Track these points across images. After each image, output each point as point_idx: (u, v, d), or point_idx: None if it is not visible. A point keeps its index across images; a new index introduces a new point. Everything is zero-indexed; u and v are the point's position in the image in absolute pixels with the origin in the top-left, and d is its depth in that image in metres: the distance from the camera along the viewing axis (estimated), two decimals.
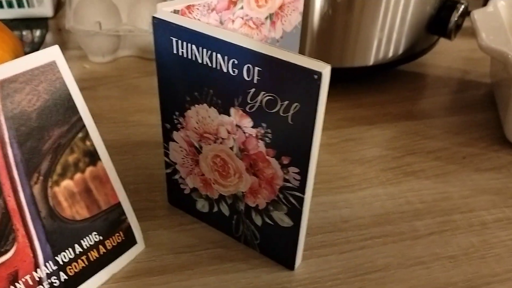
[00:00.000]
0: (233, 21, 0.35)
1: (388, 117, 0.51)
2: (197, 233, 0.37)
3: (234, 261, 0.35)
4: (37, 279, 0.29)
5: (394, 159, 0.45)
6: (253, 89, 0.28)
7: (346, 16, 0.48)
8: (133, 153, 0.44)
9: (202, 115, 0.32)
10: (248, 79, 0.28)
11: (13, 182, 0.28)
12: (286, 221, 0.32)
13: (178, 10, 0.31)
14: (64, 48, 0.61)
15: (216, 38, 0.28)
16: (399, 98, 0.54)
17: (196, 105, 0.32)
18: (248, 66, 0.28)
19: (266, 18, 0.36)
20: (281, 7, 0.37)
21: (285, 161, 0.29)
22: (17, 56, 0.47)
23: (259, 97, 0.28)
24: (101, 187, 0.32)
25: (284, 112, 0.28)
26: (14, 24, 0.65)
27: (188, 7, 0.32)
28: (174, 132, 0.34)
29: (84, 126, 0.31)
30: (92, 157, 0.32)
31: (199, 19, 0.33)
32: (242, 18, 0.35)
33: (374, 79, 0.57)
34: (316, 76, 0.25)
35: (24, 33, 0.63)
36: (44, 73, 0.30)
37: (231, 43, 0.28)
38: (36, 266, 0.29)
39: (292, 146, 0.28)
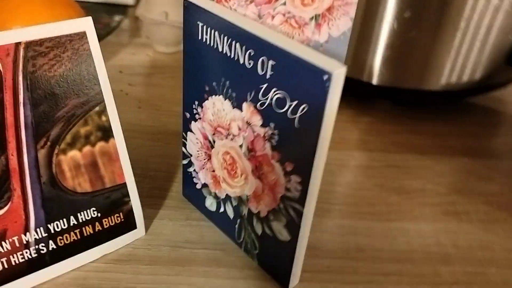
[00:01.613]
0: (273, 16, 0.33)
1: (444, 149, 0.46)
2: (201, 231, 0.35)
3: (230, 267, 0.33)
4: (25, 242, 0.30)
5: (437, 195, 0.40)
6: (266, 85, 0.26)
7: (413, 32, 0.44)
8: (166, 141, 0.44)
9: (217, 107, 0.31)
10: (261, 73, 0.26)
11: (19, 142, 0.29)
12: (284, 235, 0.29)
13: None
14: (136, 35, 0.63)
15: (236, 25, 0.27)
16: (461, 132, 0.49)
17: (214, 96, 0.30)
18: (263, 59, 0.26)
19: (311, 18, 0.34)
20: (329, 9, 0.34)
21: (288, 167, 0.27)
22: None
23: (270, 94, 0.26)
24: (109, 164, 0.32)
25: (292, 113, 0.25)
26: (95, 7, 0.68)
27: None
28: (193, 122, 0.33)
29: (103, 101, 0.31)
30: (106, 133, 0.32)
31: (235, 9, 0.32)
32: (284, 15, 0.33)
33: (436, 107, 0.52)
34: (325, 77, 0.23)
35: (102, 16, 0.66)
36: (72, 41, 0.30)
37: (249, 32, 0.26)
38: (26, 229, 0.30)
39: (296, 151, 0.26)
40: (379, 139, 0.47)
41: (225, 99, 0.30)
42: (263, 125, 0.28)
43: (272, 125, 0.27)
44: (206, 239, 0.35)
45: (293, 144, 0.26)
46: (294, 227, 0.28)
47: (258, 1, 0.32)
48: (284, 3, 0.33)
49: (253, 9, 0.32)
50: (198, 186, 0.35)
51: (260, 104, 0.27)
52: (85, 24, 0.30)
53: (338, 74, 0.23)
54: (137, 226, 0.34)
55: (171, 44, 0.58)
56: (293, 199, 0.28)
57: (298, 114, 0.25)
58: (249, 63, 0.27)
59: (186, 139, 0.35)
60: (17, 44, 0.28)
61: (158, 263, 0.33)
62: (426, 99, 0.51)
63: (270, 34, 0.26)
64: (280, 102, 0.26)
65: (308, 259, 0.33)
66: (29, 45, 0.29)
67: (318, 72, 0.23)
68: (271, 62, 0.25)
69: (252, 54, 0.26)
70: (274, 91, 0.26)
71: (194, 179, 0.36)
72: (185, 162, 0.36)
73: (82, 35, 0.30)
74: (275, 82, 0.26)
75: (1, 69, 0.28)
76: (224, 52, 0.28)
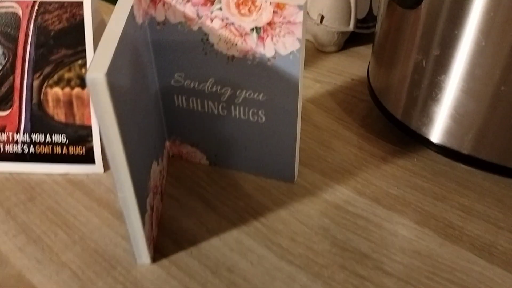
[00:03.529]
0: (211, 19, 0.34)
1: None
2: None
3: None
4: (15, 139, 0.42)
5: None
6: None
7: None
8: None
9: None
10: None
11: (23, 70, 0.40)
12: None
13: None
14: None
15: None
16: None
17: None
18: None
19: (252, 30, 0.33)
20: (270, 24, 0.33)
21: None
22: None
23: None
24: (81, 107, 0.41)
25: None
26: None
27: None
28: None
29: (85, 57, 0.40)
30: (83, 82, 0.40)
31: (174, 5, 0.34)
32: (222, 20, 0.34)
33: None
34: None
35: None
36: (71, 7, 0.39)
37: None
38: (18, 131, 0.42)
39: None
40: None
41: None
42: None
43: None
44: None
45: None
46: None
47: (194, 1, 0.33)
48: (220, 9, 0.33)
49: (191, 8, 0.34)
50: None
51: None
52: None
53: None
54: (96, 163, 0.42)
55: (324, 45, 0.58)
56: None
57: None
58: None
59: None
60: (34, 1, 0.39)
61: (90, 196, 0.40)
62: None
63: None
64: None
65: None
66: (42, 3, 0.39)
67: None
68: None
69: None
70: None
71: None
72: None
73: (79, 4, 0.39)
74: None
75: (21, 16, 0.39)
76: None
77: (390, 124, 0.44)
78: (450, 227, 0.37)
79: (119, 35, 0.27)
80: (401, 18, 0.38)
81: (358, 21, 0.54)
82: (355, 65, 0.54)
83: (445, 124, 0.38)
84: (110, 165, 0.29)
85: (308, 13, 0.55)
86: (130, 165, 0.29)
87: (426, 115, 0.38)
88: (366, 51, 0.56)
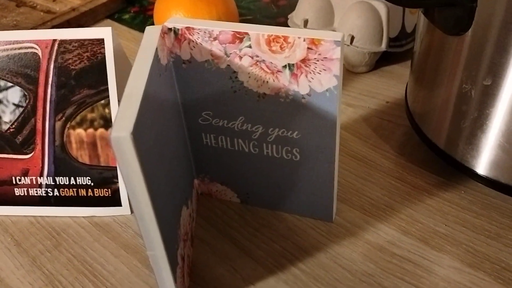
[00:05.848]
0: (240, 57, 0.31)
1: None
2: None
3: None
4: (39, 183, 0.40)
5: None
6: None
7: None
8: None
9: None
10: None
11: (45, 111, 0.39)
12: None
13: (178, 29, 0.32)
14: None
15: None
16: None
17: None
18: None
19: (284, 67, 0.31)
20: (303, 61, 0.30)
21: None
22: None
23: None
24: (105, 148, 0.39)
25: None
26: None
27: (188, 28, 0.31)
28: None
29: (108, 97, 0.38)
30: (106, 122, 0.38)
31: (201, 43, 0.32)
32: (252, 57, 0.31)
33: None
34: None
35: None
36: (92, 45, 0.37)
37: None
38: (41, 174, 0.40)
39: None
40: None
41: None
42: None
43: None
44: None
45: None
46: None
47: (221, 39, 0.31)
48: (250, 46, 0.31)
49: (218, 46, 0.32)
50: None
51: None
52: (104, 33, 0.37)
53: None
54: (122, 204, 0.40)
55: (355, 66, 0.54)
56: None
57: None
58: None
59: None
60: (54, 40, 0.37)
61: (117, 241, 0.38)
62: None
63: None
64: None
65: None
66: (61, 42, 0.37)
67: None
68: None
69: None
70: None
71: None
72: None
73: (100, 41, 0.37)
74: None
75: (41, 56, 0.38)
76: None
77: (432, 152, 0.41)
78: (508, 270, 0.34)
79: (143, 87, 0.25)
80: (442, 42, 0.35)
81: (390, 40, 0.51)
82: (389, 86, 0.51)
83: (496, 157, 0.34)
84: (138, 224, 0.27)
85: None
86: (160, 222, 0.27)
87: (474, 147, 0.35)
88: (400, 70, 0.53)
